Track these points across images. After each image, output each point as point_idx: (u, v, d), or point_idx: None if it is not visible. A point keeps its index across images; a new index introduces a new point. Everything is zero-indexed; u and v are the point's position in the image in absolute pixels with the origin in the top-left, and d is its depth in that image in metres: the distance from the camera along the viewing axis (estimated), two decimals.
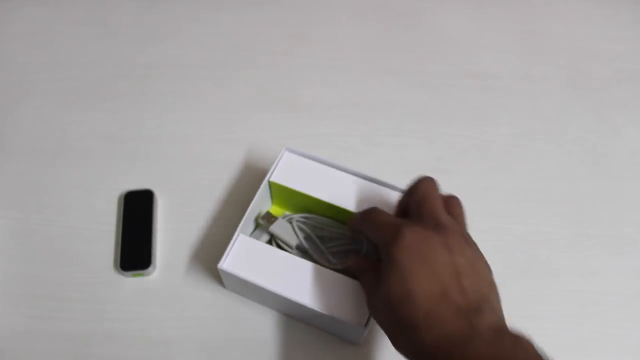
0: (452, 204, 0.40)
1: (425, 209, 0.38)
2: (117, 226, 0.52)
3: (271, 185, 0.48)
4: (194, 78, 0.64)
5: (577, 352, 0.46)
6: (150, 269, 0.48)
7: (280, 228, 0.47)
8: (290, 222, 0.48)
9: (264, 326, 0.47)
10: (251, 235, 0.48)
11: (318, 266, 0.43)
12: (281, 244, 0.48)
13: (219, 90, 0.63)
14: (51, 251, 0.51)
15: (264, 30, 0.69)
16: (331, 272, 0.43)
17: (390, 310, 0.35)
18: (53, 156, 0.57)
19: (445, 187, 0.56)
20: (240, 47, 0.67)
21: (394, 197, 0.46)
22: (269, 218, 0.48)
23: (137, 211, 0.52)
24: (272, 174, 0.47)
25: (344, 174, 0.48)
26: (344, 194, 0.47)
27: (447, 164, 0.58)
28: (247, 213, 0.45)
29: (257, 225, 0.50)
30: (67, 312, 0.47)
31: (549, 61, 0.68)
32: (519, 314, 0.48)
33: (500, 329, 0.32)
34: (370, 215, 0.40)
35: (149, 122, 0.60)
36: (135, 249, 0.50)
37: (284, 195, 0.49)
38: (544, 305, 0.49)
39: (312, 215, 0.49)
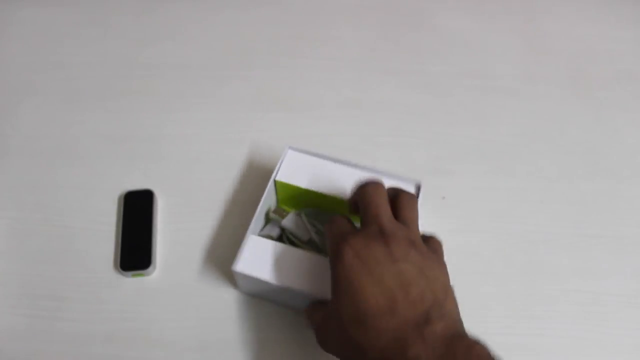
0: (402, 206, 0.38)
1: (368, 215, 0.36)
2: (117, 226, 0.52)
3: (277, 184, 0.48)
4: (194, 78, 0.64)
5: (577, 352, 0.46)
6: (150, 269, 0.48)
7: (291, 222, 0.48)
8: (301, 217, 0.48)
9: (265, 325, 0.47)
10: (261, 231, 0.48)
11: (322, 257, 0.42)
12: (293, 238, 0.47)
13: (218, 91, 0.63)
14: (51, 251, 0.51)
15: (264, 30, 0.69)
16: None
17: (343, 334, 0.33)
18: (53, 156, 0.57)
19: (446, 187, 0.56)
20: (240, 47, 0.67)
21: (399, 184, 0.46)
22: (281, 212, 0.48)
23: (137, 211, 0.52)
24: (277, 173, 0.47)
25: (349, 168, 0.48)
26: (350, 188, 0.46)
27: (447, 164, 0.58)
28: (256, 213, 0.45)
29: (268, 221, 0.50)
30: (67, 312, 0.47)
31: (549, 61, 0.68)
32: (519, 314, 0.48)
33: (452, 337, 0.31)
34: (327, 228, 0.39)
35: (149, 122, 0.60)
36: (135, 249, 0.50)
37: (289, 193, 0.49)
38: (544, 305, 0.49)
39: (321, 212, 0.49)
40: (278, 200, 0.51)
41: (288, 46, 0.68)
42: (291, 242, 0.47)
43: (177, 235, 0.52)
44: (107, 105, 0.61)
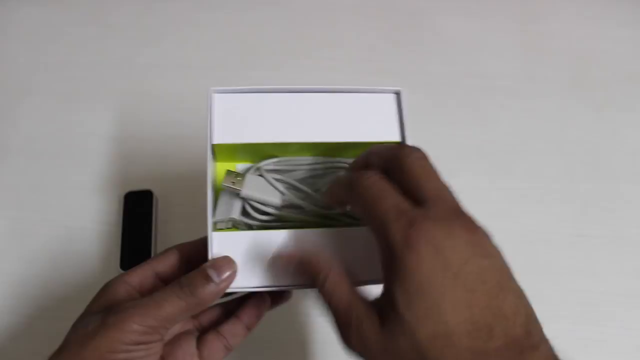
0: (413, 176, 0.29)
1: (428, 187, 0.27)
2: (117, 226, 0.52)
3: (216, 150, 0.36)
4: (194, 78, 0.64)
5: (577, 352, 0.46)
6: None
7: (253, 188, 0.35)
8: (262, 175, 0.36)
9: (265, 325, 0.47)
10: (216, 217, 0.35)
11: (318, 230, 0.33)
12: (261, 207, 0.36)
13: None
14: (51, 251, 0.51)
15: (264, 31, 0.69)
16: (336, 230, 0.34)
17: (416, 354, 0.24)
18: (53, 156, 0.57)
19: None
20: (240, 47, 0.67)
21: (376, 102, 0.36)
22: (234, 178, 0.35)
23: (137, 211, 0.52)
24: (211, 134, 0.35)
25: (306, 96, 0.36)
26: (309, 124, 0.35)
27: (447, 164, 0.58)
28: (209, 201, 0.34)
29: (219, 197, 0.37)
30: (67, 312, 0.47)
31: (549, 61, 0.68)
32: None
33: None
34: (362, 186, 0.28)
35: (149, 122, 0.60)
36: (135, 249, 0.50)
37: (234, 156, 0.38)
38: (544, 305, 0.49)
39: (282, 158, 0.38)
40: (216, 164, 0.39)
41: (288, 46, 0.68)
42: (261, 213, 0.36)
43: (177, 235, 0.52)
44: (107, 105, 0.61)
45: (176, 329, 0.35)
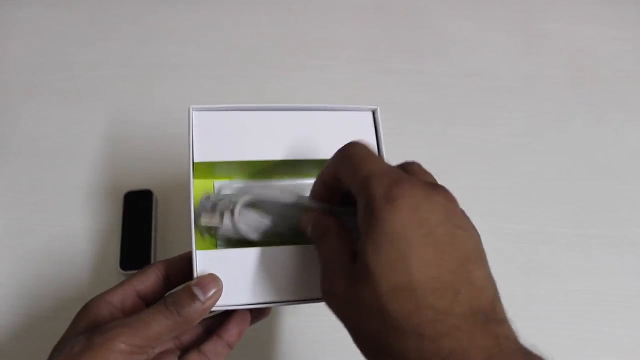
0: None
1: (413, 166, 0.29)
2: (117, 226, 0.52)
3: (195, 167, 0.35)
4: (194, 78, 0.64)
5: (577, 352, 0.46)
6: None
7: (228, 228, 0.34)
8: (245, 214, 0.34)
9: (265, 325, 0.47)
10: (200, 224, 0.34)
11: (303, 247, 0.33)
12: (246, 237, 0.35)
13: (218, 90, 0.63)
14: (51, 251, 0.51)
15: (264, 31, 0.69)
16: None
17: (376, 304, 0.24)
18: (53, 156, 0.57)
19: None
20: (240, 47, 0.67)
21: (353, 120, 0.37)
22: (210, 217, 0.34)
23: (137, 211, 0.52)
24: (193, 152, 0.35)
25: (286, 114, 0.37)
26: (288, 141, 0.35)
27: (447, 164, 0.58)
28: (191, 222, 0.33)
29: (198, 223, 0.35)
30: (68, 312, 0.47)
31: (549, 61, 0.68)
32: (519, 314, 0.48)
33: (529, 353, 0.24)
34: (352, 153, 0.29)
35: (149, 122, 0.60)
36: (135, 249, 0.50)
37: (214, 173, 0.38)
38: (544, 305, 0.49)
39: (256, 185, 0.37)
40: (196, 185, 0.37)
41: (288, 46, 0.68)
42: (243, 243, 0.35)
43: (177, 235, 0.52)
44: (107, 105, 0.61)
45: (157, 349, 0.34)
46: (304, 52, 0.67)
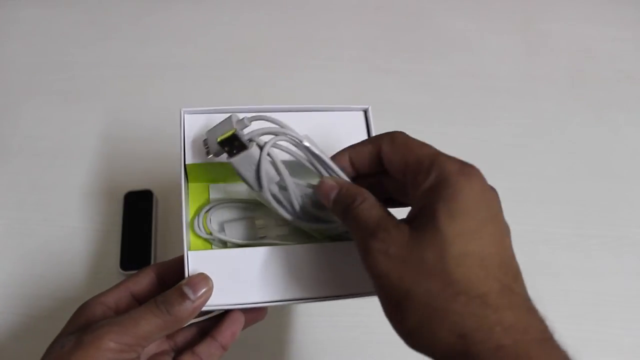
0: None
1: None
2: (117, 226, 0.52)
3: (189, 170, 0.36)
4: (194, 78, 0.64)
5: (577, 352, 0.46)
6: None
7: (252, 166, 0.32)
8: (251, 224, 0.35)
9: (265, 324, 0.47)
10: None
11: (296, 246, 0.33)
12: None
13: (218, 90, 0.63)
14: (51, 251, 0.51)
15: (264, 30, 0.69)
16: (316, 245, 0.34)
17: (440, 265, 0.24)
18: (53, 156, 0.57)
19: None
20: (240, 47, 0.67)
21: (345, 120, 0.37)
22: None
23: (137, 211, 0.52)
24: (184, 155, 0.36)
25: (274, 115, 0.35)
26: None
27: None
28: (184, 224, 0.34)
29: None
30: (67, 312, 0.47)
31: (549, 61, 0.68)
32: None
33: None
34: (404, 137, 0.30)
35: (149, 122, 0.60)
36: (135, 248, 0.50)
37: (207, 176, 0.38)
38: (544, 305, 0.49)
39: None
40: (191, 191, 0.40)
41: (288, 46, 0.68)
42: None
43: (177, 235, 0.52)
44: (107, 105, 0.61)
45: (152, 349, 0.34)
46: (304, 52, 0.67)
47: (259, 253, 0.33)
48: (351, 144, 0.33)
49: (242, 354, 0.45)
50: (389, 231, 0.26)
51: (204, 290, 0.31)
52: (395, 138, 0.30)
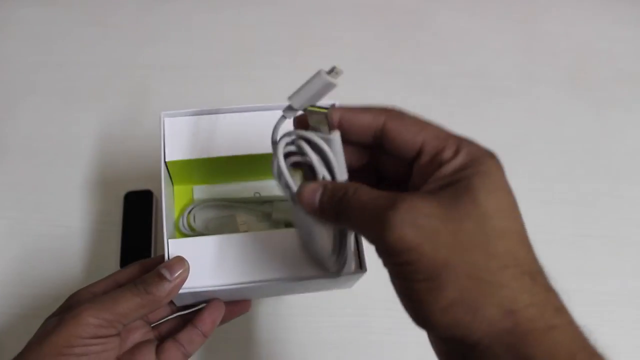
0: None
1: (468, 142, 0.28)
2: (117, 226, 0.52)
3: (171, 169, 0.39)
4: (194, 78, 0.64)
5: None
6: None
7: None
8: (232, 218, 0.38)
9: (265, 324, 0.47)
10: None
11: (270, 232, 0.35)
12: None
13: (218, 91, 0.63)
14: (51, 251, 0.51)
15: (264, 30, 0.69)
16: (287, 230, 0.35)
17: (481, 238, 0.23)
18: (53, 156, 0.57)
19: None
20: (240, 47, 0.67)
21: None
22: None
23: (137, 211, 0.52)
24: (164, 151, 0.37)
25: (245, 114, 0.39)
26: (257, 139, 0.36)
27: None
28: (164, 213, 0.37)
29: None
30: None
31: (549, 61, 0.68)
32: None
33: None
34: (406, 112, 0.30)
35: (149, 122, 0.60)
36: (135, 248, 0.50)
37: (191, 176, 0.41)
38: None
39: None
40: (175, 189, 0.43)
41: (288, 46, 0.68)
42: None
43: None
44: (107, 105, 0.61)
45: (137, 338, 0.36)
46: (304, 52, 0.67)
47: (234, 239, 0.35)
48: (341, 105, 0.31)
49: (242, 354, 0.45)
50: (412, 201, 0.24)
51: (180, 271, 0.33)
52: (404, 115, 0.30)
